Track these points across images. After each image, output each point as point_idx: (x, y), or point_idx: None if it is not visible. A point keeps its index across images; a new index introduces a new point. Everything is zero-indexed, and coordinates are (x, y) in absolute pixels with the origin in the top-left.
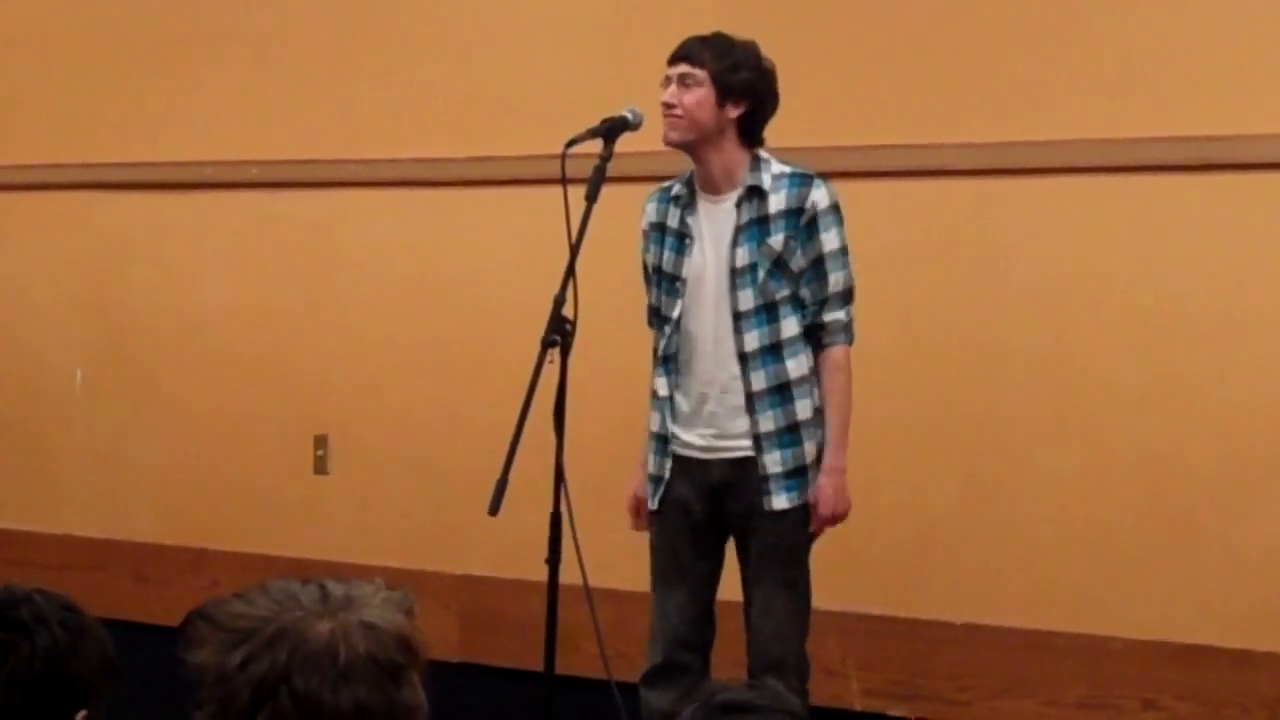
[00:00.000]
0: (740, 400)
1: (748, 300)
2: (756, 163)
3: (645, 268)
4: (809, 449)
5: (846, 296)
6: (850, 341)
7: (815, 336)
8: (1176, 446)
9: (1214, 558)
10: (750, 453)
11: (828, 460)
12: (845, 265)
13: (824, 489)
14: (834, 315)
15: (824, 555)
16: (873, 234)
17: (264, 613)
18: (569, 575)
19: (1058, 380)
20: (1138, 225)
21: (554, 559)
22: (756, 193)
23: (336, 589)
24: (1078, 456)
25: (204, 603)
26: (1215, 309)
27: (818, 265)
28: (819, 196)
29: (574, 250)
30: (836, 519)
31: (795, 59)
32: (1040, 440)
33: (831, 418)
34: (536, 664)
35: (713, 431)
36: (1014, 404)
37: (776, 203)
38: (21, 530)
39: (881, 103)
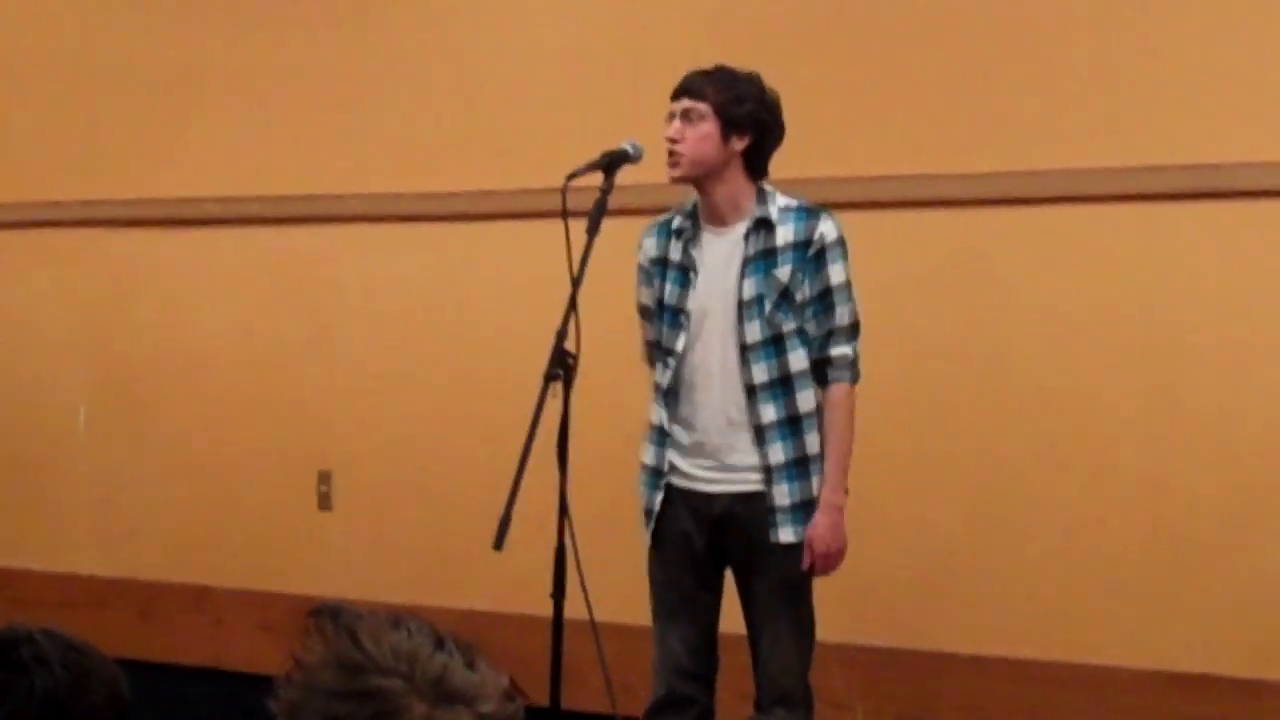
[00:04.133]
0: (747, 433)
1: (755, 332)
2: (762, 195)
3: (642, 304)
4: (817, 483)
5: (853, 331)
6: (855, 380)
7: (820, 371)
8: (1181, 475)
9: (1221, 586)
10: (758, 486)
11: (826, 496)
12: (850, 299)
13: (819, 525)
14: (840, 350)
15: (829, 588)
16: (873, 265)
17: (380, 660)
18: (574, 610)
19: (1060, 410)
20: (1139, 254)
21: (558, 593)
22: (765, 224)
23: (457, 680)
24: (1082, 486)
25: (348, 607)
26: (1218, 337)
27: (824, 298)
28: (827, 229)
29: (575, 283)
30: (829, 557)
31: (795, 91)
32: (1044, 470)
33: (831, 454)
34: (542, 699)
35: (716, 464)
36: (1017, 434)
37: (784, 235)
38: (24, 569)
39: (881, 134)
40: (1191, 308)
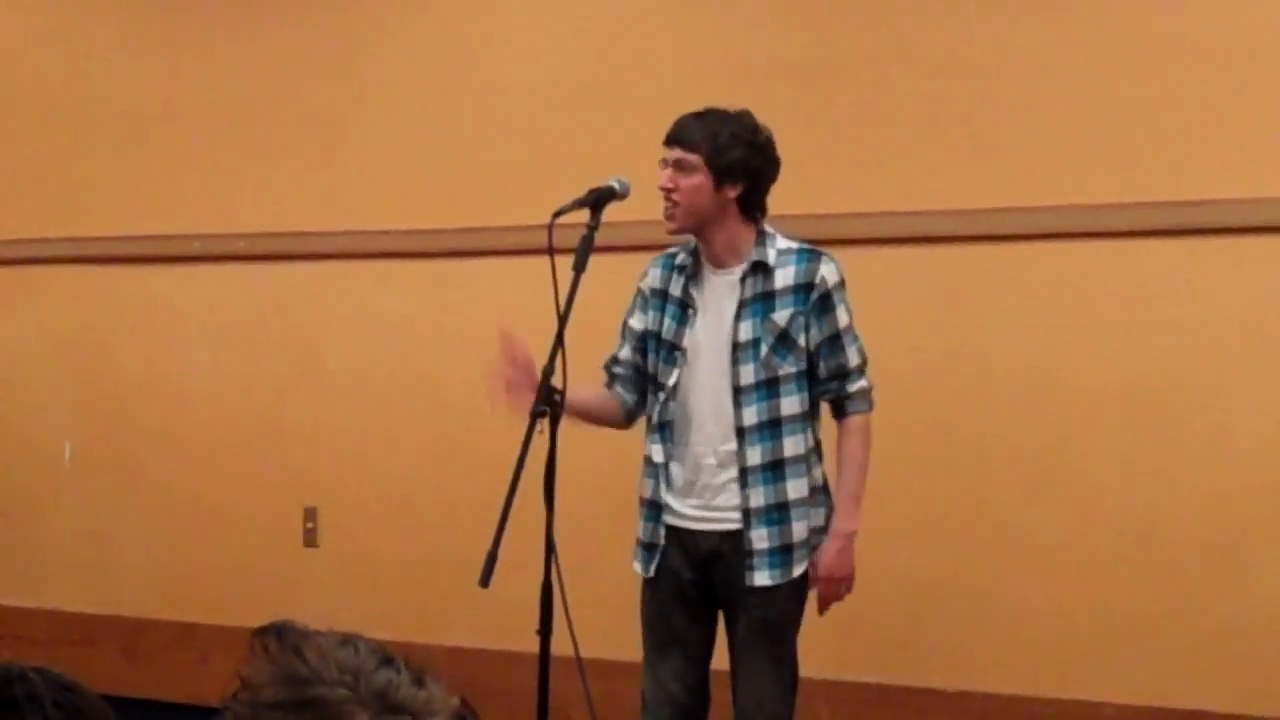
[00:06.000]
0: (734, 474)
1: (749, 375)
2: (762, 237)
3: (627, 325)
4: (797, 528)
5: (864, 368)
6: (870, 409)
7: (839, 406)
8: (1165, 512)
9: (1205, 622)
10: (739, 526)
11: (836, 523)
12: (858, 339)
13: (825, 551)
14: (858, 384)
15: (815, 624)
16: (860, 300)
17: (325, 673)
18: (560, 646)
19: (1046, 446)
20: (1125, 290)
21: (545, 630)
22: (761, 268)
23: (403, 694)
24: (1066, 522)
25: (294, 625)
26: (1202, 373)
27: (833, 342)
28: (828, 272)
29: (562, 320)
30: (834, 582)
31: (784, 128)
32: (1029, 506)
33: (845, 481)
34: None
35: (703, 503)
36: (1004, 469)
37: (783, 278)
38: (10, 606)
39: (870, 170)
40: (1178, 343)
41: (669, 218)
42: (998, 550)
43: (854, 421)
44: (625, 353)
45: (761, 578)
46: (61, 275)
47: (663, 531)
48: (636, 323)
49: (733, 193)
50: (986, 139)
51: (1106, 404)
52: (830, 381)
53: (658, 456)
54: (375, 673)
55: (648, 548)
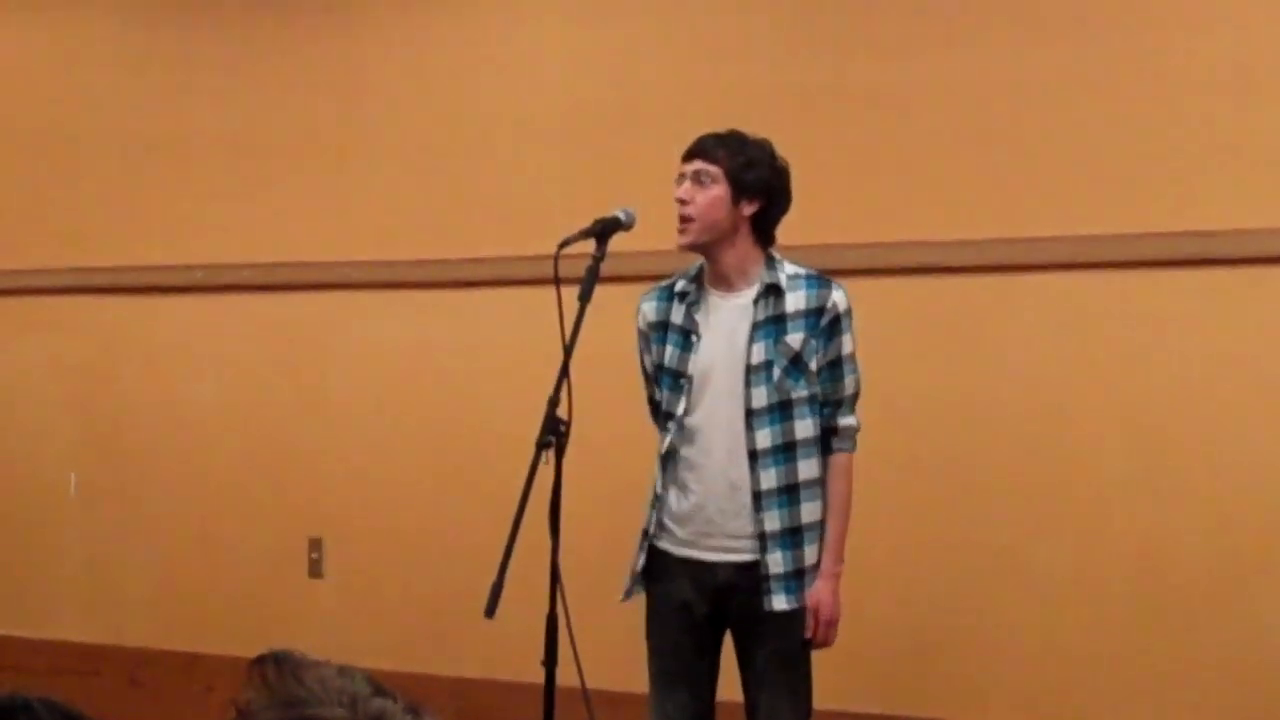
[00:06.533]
0: (747, 499)
1: (761, 398)
2: (771, 261)
3: (644, 367)
4: (810, 552)
5: (855, 401)
6: (854, 450)
7: (825, 439)
8: (1170, 541)
9: (1210, 652)
10: (754, 556)
11: (825, 564)
12: (857, 370)
13: (821, 591)
14: (847, 420)
15: (819, 655)
16: (864, 330)
17: (323, 695)
18: (565, 677)
19: (1051, 475)
20: (1129, 320)
21: (550, 661)
22: (774, 290)
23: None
24: (1071, 552)
25: (294, 653)
26: (1206, 403)
27: (834, 366)
28: (839, 298)
29: (568, 351)
30: (832, 625)
31: (791, 156)
32: (1033, 536)
33: (832, 523)
34: None
35: (717, 531)
36: (1007, 499)
37: (794, 301)
38: (14, 636)
39: (874, 200)
40: (1181, 373)
41: (683, 231)
42: (1002, 580)
43: (840, 461)
44: (661, 394)
45: (779, 602)
46: (65, 305)
47: (642, 559)
48: (647, 363)
49: (749, 209)
50: (991, 169)
51: (1111, 434)
52: (825, 409)
53: (658, 487)
54: (371, 699)
55: (633, 574)
